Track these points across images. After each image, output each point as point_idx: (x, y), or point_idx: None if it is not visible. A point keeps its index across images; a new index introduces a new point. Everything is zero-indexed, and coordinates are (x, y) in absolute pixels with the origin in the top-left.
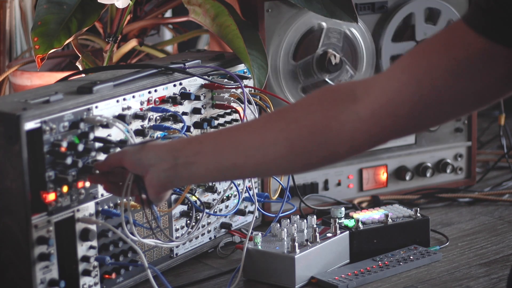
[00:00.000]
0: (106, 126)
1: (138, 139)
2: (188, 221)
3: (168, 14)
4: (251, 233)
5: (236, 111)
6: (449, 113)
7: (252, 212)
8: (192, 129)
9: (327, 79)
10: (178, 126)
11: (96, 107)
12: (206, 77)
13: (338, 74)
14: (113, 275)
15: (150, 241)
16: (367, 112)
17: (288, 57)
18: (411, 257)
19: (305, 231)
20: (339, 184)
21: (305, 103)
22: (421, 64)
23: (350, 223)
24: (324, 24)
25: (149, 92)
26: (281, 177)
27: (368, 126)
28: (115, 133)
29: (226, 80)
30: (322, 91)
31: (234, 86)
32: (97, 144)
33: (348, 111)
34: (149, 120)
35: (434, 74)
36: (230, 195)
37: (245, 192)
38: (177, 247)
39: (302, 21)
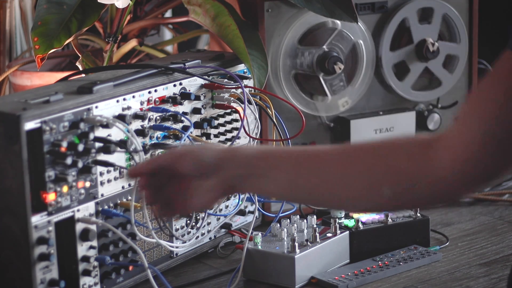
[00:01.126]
0: (106, 126)
1: (138, 139)
2: (188, 221)
3: (168, 14)
4: (251, 233)
5: (236, 111)
6: None
7: (252, 212)
8: (192, 129)
9: (320, 78)
10: (178, 126)
11: (96, 107)
12: (206, 77)
13: (331, 78)
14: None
15: (165, 244)
16: (449, 163)
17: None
18: (411, 257)
19: (305, 231)
20: None
21: (391, 144)
22: (482, 104)
23: (350, 223)
24: (339, 24)
25: (149, 92)
26: None
27: (452, 176)
28: (115, 133)
29: (226, 80)
30: (408, 138)
31: (234, 86)
32: (97, 144)
33: (433, 163)
34: (149, 120)
35: (496, 109)
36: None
37: None
38: (177, 247)
39: (302, 21)
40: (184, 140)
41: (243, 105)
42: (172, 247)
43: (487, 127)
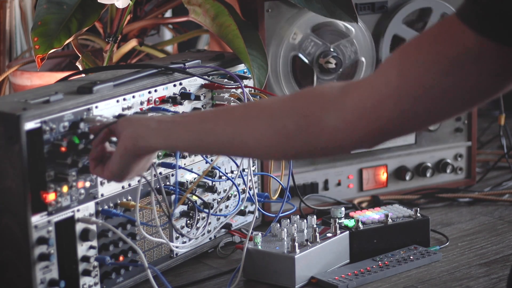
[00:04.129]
0: None
1: None
2: (188, 221)
3: (168, 14)
4: (251, 233)
5: None
6: (439, 112)
7: (252, 212)
8: None
9: (315, 73)
10: None
11: (96, 107)
12: (206, 77)
13: (326, 78)
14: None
15: (171, 244)
16: (353, 104)
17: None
18: (411, 257)
19: (305, 231)
20: (339, 184)
21: (293, 96)
22: (408, 59)
23: (350, 223)
24: (353, 31)
25: (149, 92)
26: (281, 177)
27: (354, 118)
28: None
29: (226, 80)
30: (312, 87)
31: (234, 86)
32: None
33: (336, 101)
34: None
35: (420, 69)
36: (230, 195)
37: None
38: (176, 247)
39: (302, 21)
40: None
41: None
42: (175, 247)
43: (405, 84)
